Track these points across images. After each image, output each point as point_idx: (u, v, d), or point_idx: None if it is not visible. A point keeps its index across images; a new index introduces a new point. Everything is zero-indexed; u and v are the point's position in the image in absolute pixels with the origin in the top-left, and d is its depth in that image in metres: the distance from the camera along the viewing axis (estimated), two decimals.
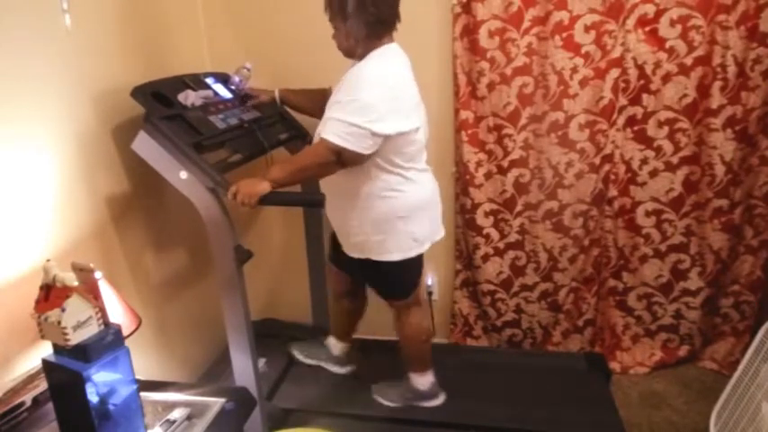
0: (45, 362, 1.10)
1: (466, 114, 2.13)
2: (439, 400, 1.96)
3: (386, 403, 1.98)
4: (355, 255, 1.73)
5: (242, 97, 1.92)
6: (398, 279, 1.80)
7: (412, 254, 1.69)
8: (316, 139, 1.61)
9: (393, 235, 1.65)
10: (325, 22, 1.60)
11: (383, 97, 1.48)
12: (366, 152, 1.49)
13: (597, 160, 2.10)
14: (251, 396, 1.42)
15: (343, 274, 1.96)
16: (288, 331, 2.47)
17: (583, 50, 1.98)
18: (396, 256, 1.67)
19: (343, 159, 1.51)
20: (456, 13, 2.02)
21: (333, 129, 1.48)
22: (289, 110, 2.02)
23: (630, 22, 1.93)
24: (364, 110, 1.45)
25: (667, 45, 1.94)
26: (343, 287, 2.01)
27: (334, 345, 2.14)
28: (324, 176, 1.63)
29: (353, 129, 1.45)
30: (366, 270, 1.76)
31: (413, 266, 1.77)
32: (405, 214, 1.64)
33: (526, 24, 1.99)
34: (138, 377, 1.17)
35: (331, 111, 1.51)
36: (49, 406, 1.17)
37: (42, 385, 1.20)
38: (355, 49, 1.57)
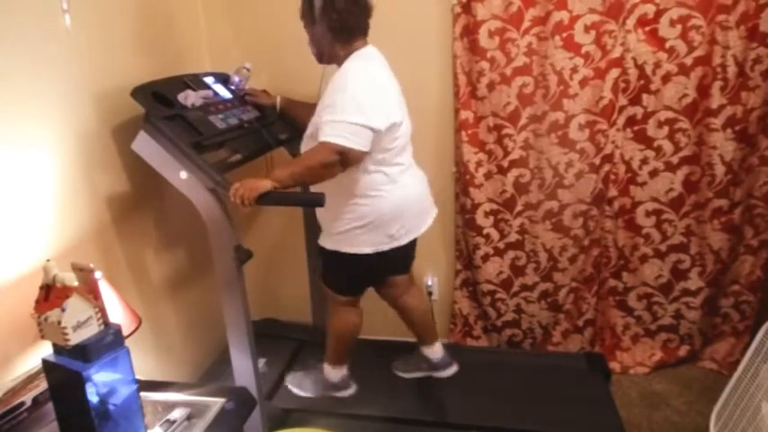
0: (45, 362, 1.11)
1: (466, 114, 2.13)
2: (350, 391, 1.95)
3: (300, 393, 1.98)
4: (328, 246, 1.74)
5: (241, 97, 1.92)
6: (349, 273, 1.80)
7: (384, 248, 1.69)
8: (306, 146, 1.63)
9: (371, 232, 1.66)
10: None
11: (370, 94, 1.52)
12: (367, 149, 1.52)
13: (597, 160, 2.10)
14: (251, 396, 1.42)
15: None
16: (288, 331, 2.47)
17: (583, 50, 1.97)
18: (367, 249, 1.68)
19: (345, 160, 1.51)
20: (456, 13, 2.02)
21: (335, 131, 1.48)
22: None
23: (630, 23, 1.93)
24: (359, 108, 1.48)
25: (667, 45, 1.94)
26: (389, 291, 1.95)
27: (430, 350, 2.01)
28: (327, 179, 1.56)
29: (355, 127, 1.47)
30: (326, 256, 1.77)
31: (371, 266, 1.75)
32: (386, 213, 1.65)
33: (526, 24, 1.99)
34: (138, 377, 1.17)
35: (326, 114, 1.51)
36: (49, 406, 1.17)
37: (42, 385, 1.20)
38: (323, 53, 1.62)
